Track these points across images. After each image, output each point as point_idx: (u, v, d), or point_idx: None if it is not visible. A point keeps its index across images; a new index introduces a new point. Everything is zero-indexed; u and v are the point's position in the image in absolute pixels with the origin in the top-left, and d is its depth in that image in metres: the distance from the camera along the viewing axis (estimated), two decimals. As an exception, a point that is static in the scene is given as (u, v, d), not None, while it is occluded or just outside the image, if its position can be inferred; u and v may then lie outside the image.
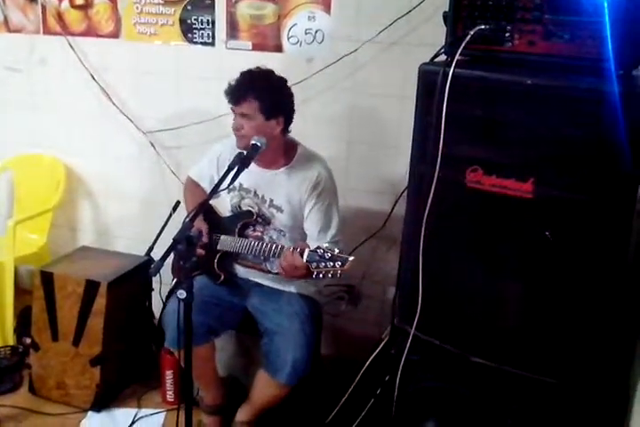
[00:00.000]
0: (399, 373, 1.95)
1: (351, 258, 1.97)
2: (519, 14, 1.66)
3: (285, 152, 2.31)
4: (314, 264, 1.99)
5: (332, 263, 1.97)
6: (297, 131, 2.34)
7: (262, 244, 2.26)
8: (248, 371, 2.59)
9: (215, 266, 2.39)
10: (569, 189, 1.60)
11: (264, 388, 2.32)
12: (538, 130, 1.62)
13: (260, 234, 2.38)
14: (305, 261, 2.00)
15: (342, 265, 1.96)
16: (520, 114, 1.64)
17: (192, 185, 2.55)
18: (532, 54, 1.67)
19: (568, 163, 1.59)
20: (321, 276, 1.99)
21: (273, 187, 2.32)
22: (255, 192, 2.36)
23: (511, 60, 1.70)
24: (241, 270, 2.46)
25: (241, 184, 2.34)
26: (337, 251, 1.99)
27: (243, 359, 2.65)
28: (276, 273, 2.32)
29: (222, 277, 2.39)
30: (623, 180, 1.58)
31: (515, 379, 1.78)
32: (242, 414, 2.44)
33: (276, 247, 2.20)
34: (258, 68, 2.25)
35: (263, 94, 2.18)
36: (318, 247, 2.00)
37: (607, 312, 1.68)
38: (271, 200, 2.33)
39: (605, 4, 1.52)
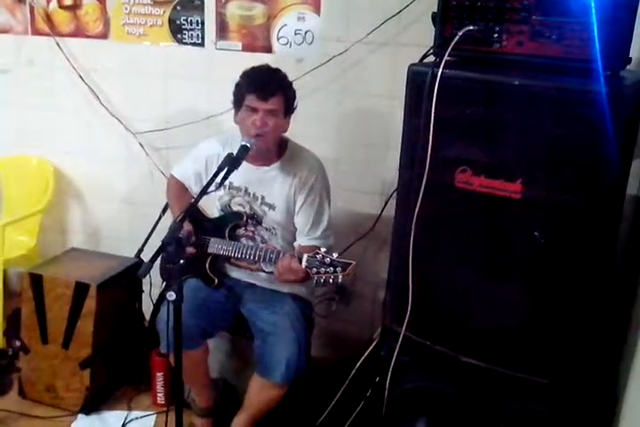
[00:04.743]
0: (389, 373, 1.95)
1: (353, 263, 1.94)
2: (507, 15, 1.67)
3: (277, 148, 2.29)
4: (314, 270, 1.97)
5: (332, 269, 1.95)
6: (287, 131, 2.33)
7: (256, 248, 2.22)
8: (239, 373, 2.59)
9: (208, 269, 2.36)
10: (557, 189, 1.61)
11: (259, 392, 2.27)
12: (526, 131, 1.62)
13: (251, 234, 2.36)
14: (304, 266, 1.98)
15: (343, 270, 1.94)
16: (508, 115, 1.64)
17: (176, 185, 2.48)
18: (520, 55, 1.68)
19: (556, 164, 1.60)
20: (322, 281, 1.97)
21: (265, 184, 2.30)
22: (246, 190, 2.32)
23: (500, 61, 1.71)
24: (234, 271, 2.45)
25: (231, 183, 2.31)
26: (335, 255, 1.96)
27: (234, 361, 2.64)
28: (270, 272, 2.31)
29: (216, 282, 2.37)
30: (611, 181, 1.59)
31: (505, 379, 1.78)
32: (237, 424, 2.35)
33: (272, 252, 2.16)
34: (267, 65, 2.22)
35: (287, 90, 2.17)
36: (317, 253, 1.98)
37: (596, 313, 1.69)
38: (263, 198, 2.31)
39: (592, 5, 1.53)
